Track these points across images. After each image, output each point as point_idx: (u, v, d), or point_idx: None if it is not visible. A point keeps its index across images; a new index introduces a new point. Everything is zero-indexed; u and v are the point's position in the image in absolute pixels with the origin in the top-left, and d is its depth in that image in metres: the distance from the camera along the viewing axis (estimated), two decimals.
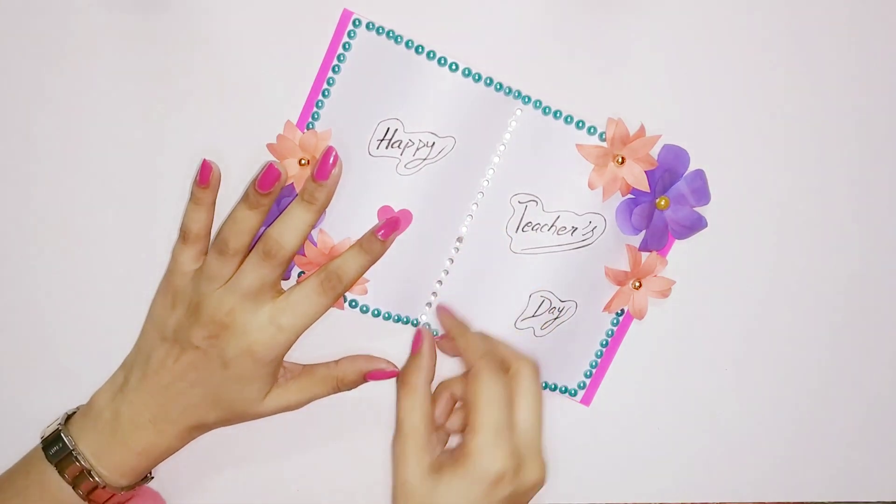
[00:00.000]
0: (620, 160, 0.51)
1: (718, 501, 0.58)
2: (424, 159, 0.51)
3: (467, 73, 0.51)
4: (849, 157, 0.55)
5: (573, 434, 0.57)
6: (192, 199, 0.51)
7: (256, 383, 0.50)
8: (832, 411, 0.58)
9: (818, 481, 0.58)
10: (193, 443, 0.53)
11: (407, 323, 0.55)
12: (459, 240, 0.54)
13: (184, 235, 0.52)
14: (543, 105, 0.52)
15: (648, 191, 0.51)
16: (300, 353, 0.55)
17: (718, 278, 0.56)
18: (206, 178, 0.51)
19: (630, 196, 0.52)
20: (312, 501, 0.57)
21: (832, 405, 0.58)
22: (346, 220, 0.53)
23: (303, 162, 0.53)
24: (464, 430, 0.48)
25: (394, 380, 0.55)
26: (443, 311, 0.54)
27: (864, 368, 0.57)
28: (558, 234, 0.52)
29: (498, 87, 0.51)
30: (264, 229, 0.51)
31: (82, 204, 0.55)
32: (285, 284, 0.54)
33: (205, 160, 0.51)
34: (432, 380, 0.52)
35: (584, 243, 0.52)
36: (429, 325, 0.55)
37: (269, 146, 0.53)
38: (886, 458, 0.58)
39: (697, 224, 0.53)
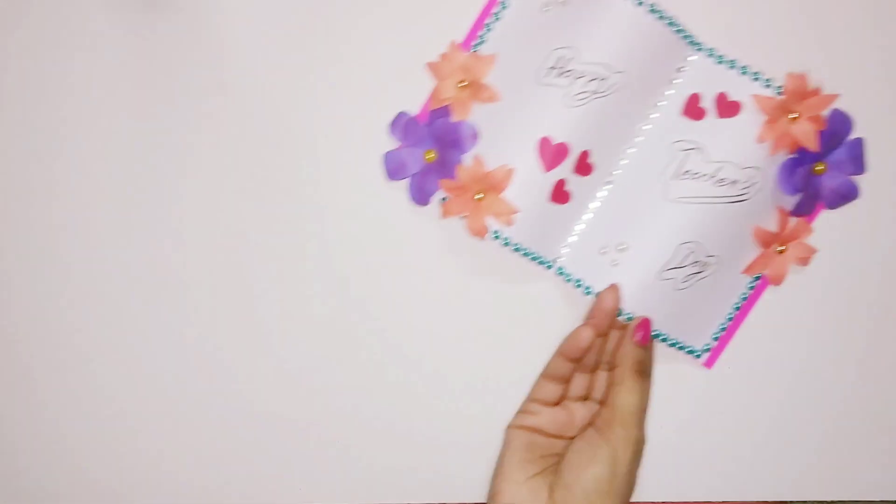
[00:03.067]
0: (793, 116, 0.51)
1: (718, 501, 0.57)
2: (594, 92, 0.50)
3: (652, 8, 0.50)
4: None
5: None
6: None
7: None
8: (832, 411, 0.56)
9: (818, 480, 0.57)
10: (199, 442, 0.54)
11: (542, 264, 0.54)
12: (611, 182, 0.53)
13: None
14: (719, 54, 0.51)
15: (818, 150, 0.51)
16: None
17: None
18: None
19: (794, 155, 0.51)
20: (314, 501, 0.56)
21: (832, 405, 0.56)
22: (503, 147, 0.51)
23: (462, 84, 0.51)
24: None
25: (391, 379, 0.55)
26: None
27: (865, 368, 0.56)
28: (719, 185, 0.51)
29: (679, 30, 0.50)
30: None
31: (87, 203, 0.54)
32: (424, 210, 0.53)
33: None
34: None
35: (741, 198, 0.51)
36: (562, 270, 0.54)
37: (430, 65, 0.52)
38: (886, 458, 0.57)
39: (851, 193, 0.52)
